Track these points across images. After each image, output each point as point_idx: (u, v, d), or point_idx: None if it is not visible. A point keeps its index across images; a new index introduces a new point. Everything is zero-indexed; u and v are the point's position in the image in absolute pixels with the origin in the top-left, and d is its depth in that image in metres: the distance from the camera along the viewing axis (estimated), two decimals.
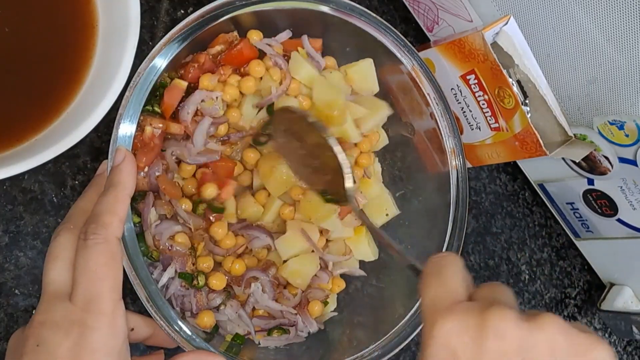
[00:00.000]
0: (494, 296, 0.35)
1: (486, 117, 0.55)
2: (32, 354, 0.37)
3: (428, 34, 0.62)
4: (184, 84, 0.48)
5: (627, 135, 0.52)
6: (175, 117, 0.49)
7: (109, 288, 0.39)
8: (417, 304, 0.51)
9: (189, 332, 0.44)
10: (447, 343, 0.33)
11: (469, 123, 0.57)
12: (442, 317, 0.34)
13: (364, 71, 0.55)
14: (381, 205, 0.57)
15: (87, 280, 0.38)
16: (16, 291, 0.50)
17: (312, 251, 0.52)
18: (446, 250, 0.53)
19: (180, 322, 0.44)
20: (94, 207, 0.41)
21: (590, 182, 0.59)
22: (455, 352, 0.33)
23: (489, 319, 0.33)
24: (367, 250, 0.55)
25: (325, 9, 0.50)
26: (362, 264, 0.58)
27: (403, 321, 0.51)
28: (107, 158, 0.44)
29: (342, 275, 0.56)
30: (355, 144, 0.55)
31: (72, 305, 0.38)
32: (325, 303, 0.54)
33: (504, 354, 0.32)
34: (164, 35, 0.47)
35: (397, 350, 0.50)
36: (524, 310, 0.34)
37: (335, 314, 0.56)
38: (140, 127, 0.46)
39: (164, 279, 0.47)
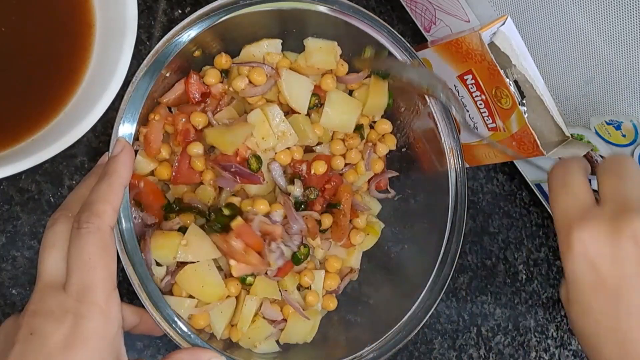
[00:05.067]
0: (621, 194, 0.36)
1: (483, 117, 0.55)
2: (24, 342, 0.37)
3: (425, 34, 0.63)
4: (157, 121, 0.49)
5: (624, 136, 0.52)
6: None
7: (102, 277, 0.38)
8: (415, 306, 0.51)
9: (185, 329, 0.45)
10: (585, 253, 0.35)
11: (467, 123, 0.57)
12: (577, 228, 0.35)
13: (310, 50, 0.54)
14: None
15: (80, 270, 0.38)
16: (13, 291, 0.50)
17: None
18: (444, 251, 0.53)
19: (177, 320, 0.44)
20: (88, 196, 0.41)
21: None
22: (595, 263, 0.34)
23: (623, 225, 0.34)
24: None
25: (323, 9, 0.50)
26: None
27: (401, 322, 0.51)
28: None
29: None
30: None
31: (66, 294, 0.38)
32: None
33: None
34: (161, 35, 0.47)
35: (394, 351, 0.50)
36: None
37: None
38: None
39: None
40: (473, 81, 0.53)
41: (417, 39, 0.64)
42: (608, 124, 0.53)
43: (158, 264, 0.48)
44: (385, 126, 0.57)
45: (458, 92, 0.55)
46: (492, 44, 0.51)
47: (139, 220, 0.48)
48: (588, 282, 0.35)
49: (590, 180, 0.40)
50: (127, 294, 0.51)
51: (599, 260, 0.34)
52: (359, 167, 0.56)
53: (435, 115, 0.54)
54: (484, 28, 0.50)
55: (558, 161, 0.39)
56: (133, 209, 0.46)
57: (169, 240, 0.47)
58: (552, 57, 0.53)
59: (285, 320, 0.52)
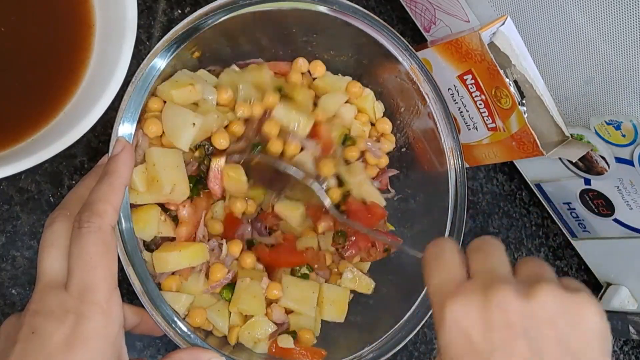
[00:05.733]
0: (489, 268, 0.38)
1: (483, 117, 0.55)
2: (25, 341, 0.37)
3: (425, 34, 0.63)
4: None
5: (623, 136, 0.52)
6: None
7: (103, 277, 0.38)
8: (415, 306, 0.51)
9: (185, 329, 0.45)
10: (458, 325, 0.36)
11: (466, 123, 0.57)
12: (450, 301, 0.36)
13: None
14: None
15: (81, 269, 0.38)
16: (13, 291, 0.50)
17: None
18: None
19: (176, 319, 0.44)
20: (88, 195, 0.41)
21: (587, 182, 0.59)
22: (467, 333, 0.35)
23: (491, 295, 0.35)
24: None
25: (323, 9, 0.50)
26: None
27: (400, 322, 0.51)
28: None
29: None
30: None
31: (67, 294, 0.38)
32: None
33: (510, 324, 0.35)
34: (161, 35, 0.47)
35: (394, 351, 0.50)
36: (521, 277, 0.38)
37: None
38: None
39: None
40: (473, 81, 0.53)
41: (417, 39, 0.64)
42: (608, 124, 0.53)
43: (148, 249, 0.48)
44: (385, 125, 0.57)
45: (458, 92, 0.55)
46: (492, 44, 0.51)
47: None
48: (461, 351, 0.36)
49: None
50: (127, 294, 0.51)
51: (471, 330, 0.35)
52: (367, 156, 0.56)
53: (435, 115, 0.54)
54: (483, 28, 0.50)
55: (432, 241, 0.41)
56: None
57: (146, 214, 0.47)
58: (551, 57, 0.53)
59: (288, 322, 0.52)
